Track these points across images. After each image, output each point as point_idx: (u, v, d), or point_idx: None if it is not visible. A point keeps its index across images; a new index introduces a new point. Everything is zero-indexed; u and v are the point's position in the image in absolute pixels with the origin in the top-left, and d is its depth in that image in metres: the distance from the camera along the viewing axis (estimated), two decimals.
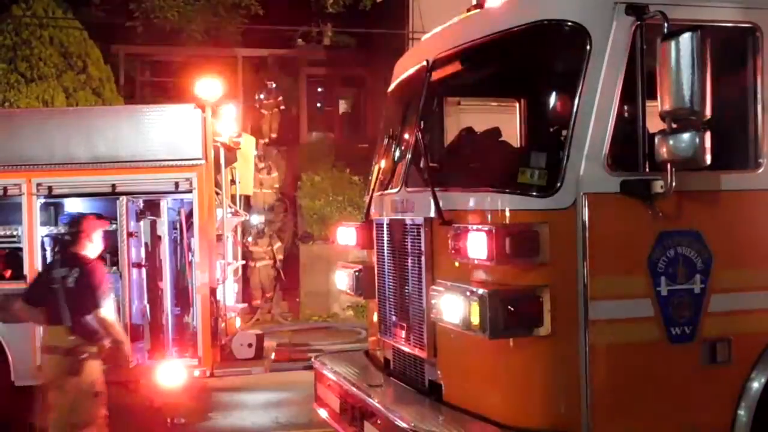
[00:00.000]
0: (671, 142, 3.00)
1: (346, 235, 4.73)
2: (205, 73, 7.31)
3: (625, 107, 3.24)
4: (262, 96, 15.50)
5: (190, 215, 6.60)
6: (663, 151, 3.03)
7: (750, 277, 3.37)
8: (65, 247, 4.85)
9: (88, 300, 4.40)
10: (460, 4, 4.00)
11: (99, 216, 5.46)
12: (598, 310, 3.14)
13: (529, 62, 3.70)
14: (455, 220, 3.42)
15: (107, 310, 4.49)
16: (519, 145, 4.74)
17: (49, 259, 6.18)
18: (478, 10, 3.77)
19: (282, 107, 15.79)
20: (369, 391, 3.88)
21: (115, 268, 6.34)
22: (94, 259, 4.70)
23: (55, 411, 4.37)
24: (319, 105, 18.14)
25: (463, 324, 3.19)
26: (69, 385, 4.34)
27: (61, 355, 4.34)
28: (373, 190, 4.50)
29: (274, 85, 15.67)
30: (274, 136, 15.44)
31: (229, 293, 7.51)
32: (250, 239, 12.16)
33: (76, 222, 4.90)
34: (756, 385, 3.29)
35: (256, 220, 12.39)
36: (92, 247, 4.69)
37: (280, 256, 12.64)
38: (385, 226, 4.16)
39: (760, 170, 3.37)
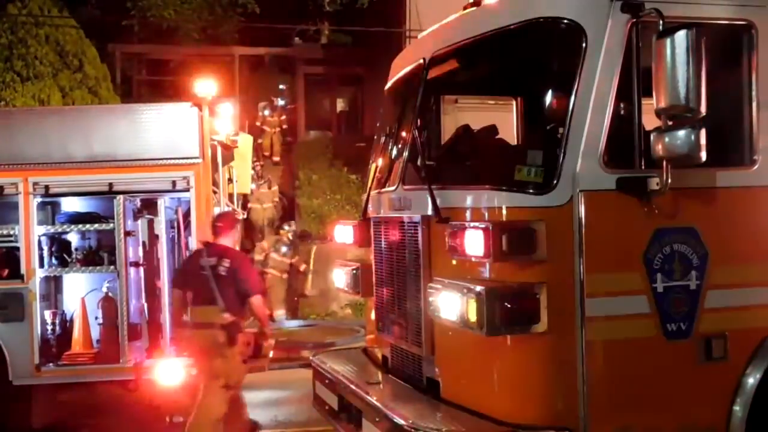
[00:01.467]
0: (667, 139, 3.01)
1: (344, 233, 4.73)
2: (202, 72, 7.31)
3: (621, 105, 3.25)
4: (266, 112, 14.95)
5: (187, 214, 6.59)
6: (659, 149, 3.04)
7: (745, 273, 3.38)
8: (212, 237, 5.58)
9: (240, 288, 5.15)
10: (457, 2, 4.01)
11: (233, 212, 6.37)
12: (594, 307, 3.16)
13: (526, 60, 3.71)
14: (452, 218, 3.43)
15: (258, 298, 5.21)
16: (516, 143, 4.75)
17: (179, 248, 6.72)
18: (474, 8, 3.78)
19: (285, 126, 15.34)
20: (367, 389, 3.89)
21: (112, 267, 6.34)
22: (240, 251, 5.51)
23: (215, 375, 5.10)
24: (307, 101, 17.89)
25: (461, 321, 3.20)
26: (229, 353, 5.10)
27: (219, 330, 5.06)
28: (371, 188, 4.51)
29: (281, 102, 15.36)
30: (276, 159, 14.94)
31: None
32: (285, 249, 11.79)
33: (221, 218, 5.69)
34: (751, 380, 3.31)
35: (288, 228, 12.11)
36: (233, 239, 5.47)
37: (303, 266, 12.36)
38: (382, 224, 4.17)
39: (755, 167, 3.39)
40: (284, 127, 15.48)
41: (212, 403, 5.07)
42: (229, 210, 6.54)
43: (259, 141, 14.02)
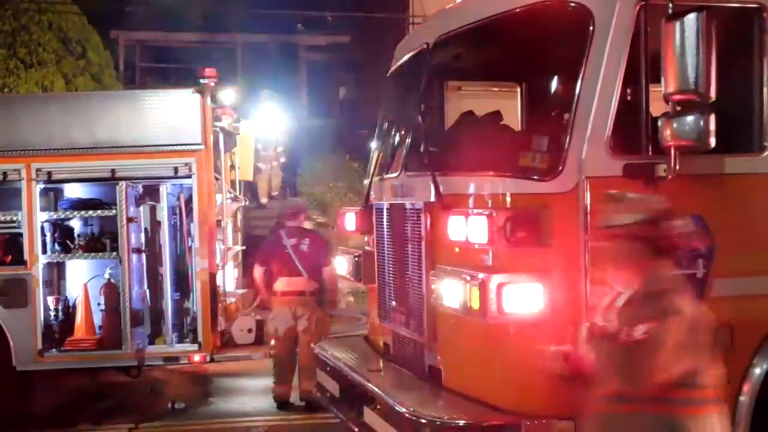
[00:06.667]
0: (675, 125, 2.95)
1: (346, 220, 4.70)
2: (205, 58, 7.26)
3: (629, 89, 3.20)
4: (259, 146, 12.86)
5: (189, 200, 6.57)
6: (666, 134, 2.99)
7: (752, 262, 3.33)
8: (285, 222, 6.68)
9: (320, 259, 6.21)
10: None
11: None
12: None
13: (531, 44, 3.65)
14: (455, 205, 3.39)
15: (331, 268, 6.09)
16: (520, 129, 4.70)
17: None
18: None
19: (283, 160, 14.02)
20: (368, 376, 3.88)
21: (115, 253, 6.33)
22: (315, 231, 7.19)
23: (310, 331, 6.08)
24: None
25: (463, 308, 3.17)
26: (320, 311, 6.21)
27: (308, 296, 6.17)
28: (373, 174, 4.47)
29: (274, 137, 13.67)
30: (275, 194, 13.76)
31: (229, 279, 7.51)
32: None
33: (290, 205, 7.01)
34: (758, 371, 3.26)
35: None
36: (308, 222, 6.81)
37: None
38: (384, 210, 4.14)
39: (765, 153, 3.33)
40: (282, 160, 14.03)
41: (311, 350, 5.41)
42: (295, 198, 8.16)
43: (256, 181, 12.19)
